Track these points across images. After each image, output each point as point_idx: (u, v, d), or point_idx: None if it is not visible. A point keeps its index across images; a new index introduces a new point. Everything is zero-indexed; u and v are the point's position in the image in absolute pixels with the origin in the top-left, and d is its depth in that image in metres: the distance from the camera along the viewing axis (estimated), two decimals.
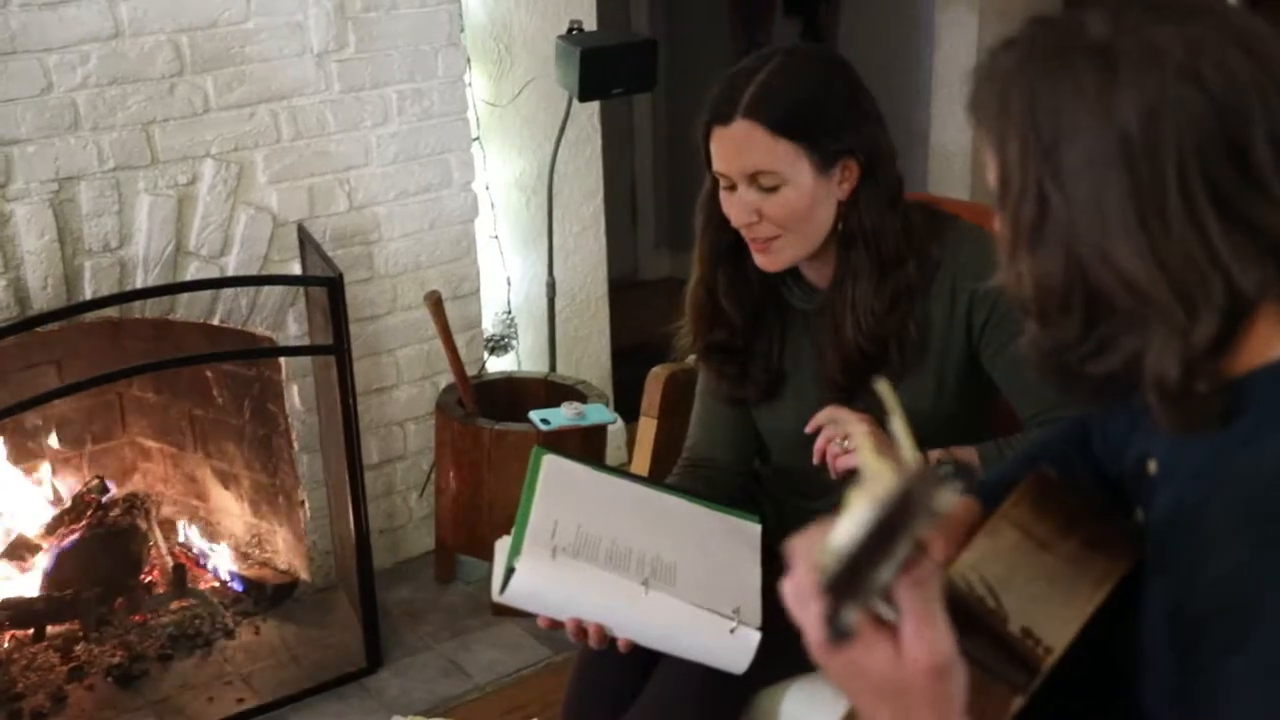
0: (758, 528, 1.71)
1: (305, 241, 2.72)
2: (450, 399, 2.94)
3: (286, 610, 2.92)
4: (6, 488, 2.86)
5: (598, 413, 2.84)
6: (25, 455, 2.95)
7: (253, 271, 2.71)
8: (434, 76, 2.88)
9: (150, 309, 2.60)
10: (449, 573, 3.05)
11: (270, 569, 3.04)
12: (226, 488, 3.09)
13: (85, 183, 2.48)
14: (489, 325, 3.19)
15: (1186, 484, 0.99)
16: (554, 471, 1.67)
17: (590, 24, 3.10)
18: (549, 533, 1.54)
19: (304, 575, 2.99)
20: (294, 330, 2.79)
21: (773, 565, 1.61)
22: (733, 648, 1.50)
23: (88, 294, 2.52)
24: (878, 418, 1.56)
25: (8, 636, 2.72)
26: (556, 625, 1.56)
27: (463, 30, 2.94)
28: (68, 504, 2.91)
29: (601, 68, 2.90)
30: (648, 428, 2.10)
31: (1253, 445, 0.92)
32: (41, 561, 2.78)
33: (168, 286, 2.58)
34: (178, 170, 2.59)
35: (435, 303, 2.83)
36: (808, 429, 1.66)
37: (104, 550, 2.81)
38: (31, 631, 2.74)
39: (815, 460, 1.64)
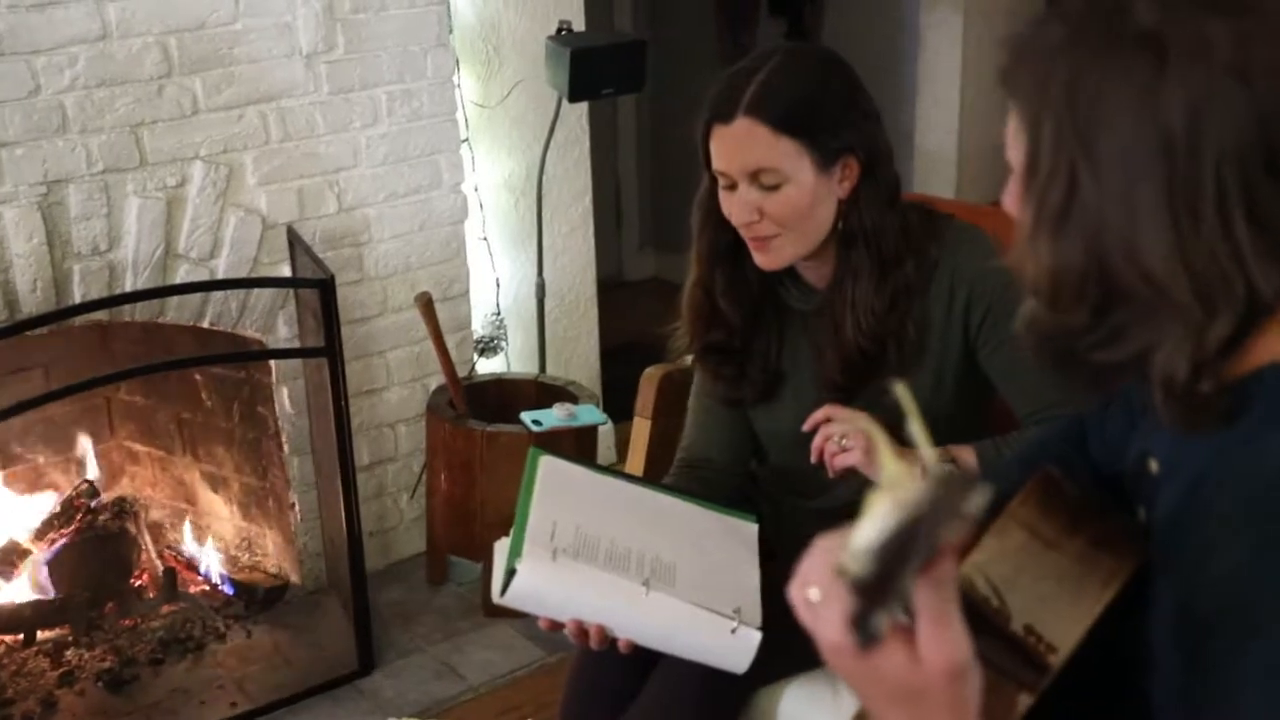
0: (755, 527, 1.71)
1: (295, 243, 2.72)
2: (441, 400, 2.94)
3: (278, 613, 2.90)
4: None
5: (589, 413, 2.84)
6: (13, 460, 2.93)
7: (242, 274, 2.70)
8: (423, 78, 2.88)
9: (140, 312, 2.58)
10: (441, 574, 3.04)
11: (261, 572, 3.03)
12: (216, 491, 3.08)
13: (74, 185, 2.47)
14: (478, 327, 3.19)
15: (1188, 483, 0.98)
16: (551, 472, 1.67)
17: (579, 25, 3.09)
18: (548, 534, 1.54)
19: (295, 578, 2.98)
20: (284, 333, 2.78)
21: (770, 565, 1.63)
22: (734, 648, 1.50)
23: (77, 297, 2.51)
24: (877, 417, 1.56)
25: None
26: (557, 627, 1.55)
27: (451, 31, 2.94)
28: (57, 509, 2.89)
29: (591, 68, 2.90)
30: (641, 429, 2.09)
31: (1253, 444, 0.92)
32: (30, 567, 2.76)
33: (157, 290, 2.57)
34: (167, 172, 2.57)
35: (426, 304, 2.82)
36: (805, 427, 1.65)
37: (94, 555, 2.80)
38: (21, 637, 2.72)
39: (814, 459, 1.64)
